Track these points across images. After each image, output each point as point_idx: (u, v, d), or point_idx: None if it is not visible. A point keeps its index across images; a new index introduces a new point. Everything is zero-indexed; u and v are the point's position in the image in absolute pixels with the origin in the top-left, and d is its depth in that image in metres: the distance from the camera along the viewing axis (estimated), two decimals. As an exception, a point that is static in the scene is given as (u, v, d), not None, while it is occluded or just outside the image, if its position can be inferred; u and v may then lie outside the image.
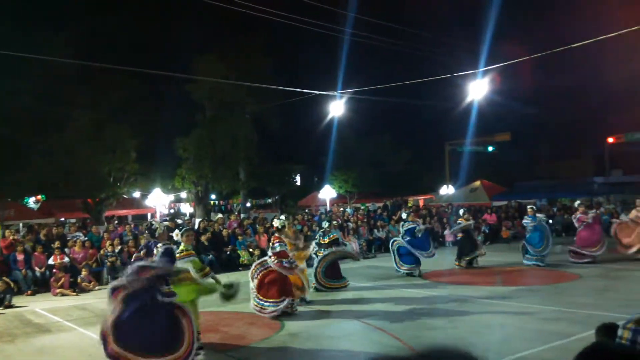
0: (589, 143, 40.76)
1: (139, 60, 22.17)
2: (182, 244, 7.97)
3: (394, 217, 21.72)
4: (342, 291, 11.96)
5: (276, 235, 10.02)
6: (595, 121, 40.51)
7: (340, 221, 19.68)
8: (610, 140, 35.98)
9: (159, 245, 7.03)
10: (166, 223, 16.35)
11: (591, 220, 14.60)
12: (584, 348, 1.77)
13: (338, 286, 12.13)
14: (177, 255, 7.55)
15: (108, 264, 14.98)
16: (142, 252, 6.75)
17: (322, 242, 12.58)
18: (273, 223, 11.19)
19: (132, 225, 19.20)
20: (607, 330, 3.37)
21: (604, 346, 1.73)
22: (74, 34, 20.67)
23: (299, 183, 39.24)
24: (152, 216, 26.81)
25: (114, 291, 5.69)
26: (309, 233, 19.21)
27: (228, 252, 16.73)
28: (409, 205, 31.69)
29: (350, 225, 20.07)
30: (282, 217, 11.84)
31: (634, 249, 14.41)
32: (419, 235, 13.67)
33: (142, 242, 13.93)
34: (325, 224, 13.26)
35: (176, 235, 8.32)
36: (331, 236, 12.65)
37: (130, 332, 5.60)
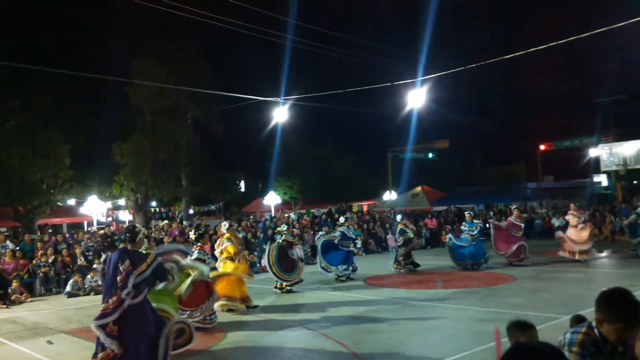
0: (522, 150, 42.69)
1: (73, 62, 21.46)
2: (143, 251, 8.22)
3: (338, 222, 21.94)
4: (286, 296, 11.99)
5: (199, 244, 10.00)
6: (528, 129, 42.53)
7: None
8: (542, 147, 37.75)
9: (149, 259, 6.51)
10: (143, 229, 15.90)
11: (517, 234, 15.33)
12: (509, 348, 1.87)
13: (296, 277, 12.46)
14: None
15: (41, 274, 14.34)
16: (127, 264, 6.23)
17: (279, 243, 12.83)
18: (190, 234, 11.20)
19: (67, 235, 18.47)
20: (578, 320, 3.58)
21: (525, 346, 1.83)
22: (3, 35, 19.77)
23: (243, 189, 38.96)
24: (90, 224, 25.81)
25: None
26: (253, 240, 19.09)
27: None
28: (354, 210, 32.10)
29: (295, 231, 20.06)
30: (225, 223, 11.78)
31: (567, 255, 15.23)
32: (344, 242, 14.04)
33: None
34: (283, 227, 13.60)
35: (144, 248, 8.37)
36: (284, 237, 12.78)
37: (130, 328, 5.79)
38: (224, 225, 11.52)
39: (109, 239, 16.50)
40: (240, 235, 14.58)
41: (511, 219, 15.85)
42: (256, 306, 10.59)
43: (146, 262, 6.14)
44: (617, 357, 2.51)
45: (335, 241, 14.05)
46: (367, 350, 7.20)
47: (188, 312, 8.96)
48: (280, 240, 12.82)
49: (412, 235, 15.41)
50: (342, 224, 14.85)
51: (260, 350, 7.63)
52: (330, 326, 8.71)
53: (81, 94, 22.42)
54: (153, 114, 24.62)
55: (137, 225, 6.78)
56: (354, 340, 7.75)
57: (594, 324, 2.57)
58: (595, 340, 2.53)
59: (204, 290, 9.16)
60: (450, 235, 15.94)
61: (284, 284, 12.48)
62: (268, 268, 12.58)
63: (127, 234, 6.40)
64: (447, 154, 40.92)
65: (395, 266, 15.17)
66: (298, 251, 14.22)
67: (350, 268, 14.01)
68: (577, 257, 15.05)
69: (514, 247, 15.08)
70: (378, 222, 23.65)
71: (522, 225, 15.58)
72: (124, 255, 6.07)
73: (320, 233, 14.86)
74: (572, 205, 16.60)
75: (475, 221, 15.48)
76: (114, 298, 5.94)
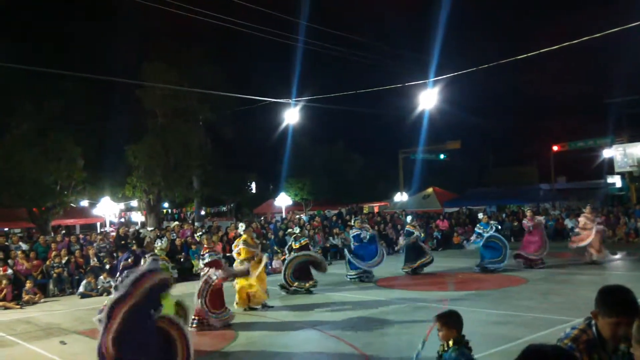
0: (534, 151, 42.38)
1: (84, 65, 21.65)
2: (157, 252, 8.26)
3: (349, 224, 21.94)
4: (298, 297, 12.00)
5: (205, 246, 9.98)
6: (541, 130, 42.22)
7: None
8: (555, 148, 37.41)
9: (147, 255, 6.70)
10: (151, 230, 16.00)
11: (532, 228, 15.19)
12: (521, 352, 1.86)
13: (304, 286, 12.37)
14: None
15: (54, 275, 14.48)
16: (129, 260, 6.44)
17: (294, 247, 12.83)
18: (195, 236, 11.30)
19: (81, 236, 18.64)
20: None
21: (538, 348, 1.82)
22: (15, 38, 19.99)
23: (254, 191, 39.04)
24: (102, 225, 26.04)
25: (116, 305, 5.33)
26: (264, 241, 19.14)
27: (182, 261, 16.50)
28: (365, 212, 32.04)
29: (306, 232, 20.09)
30: (242, 224, 11.90)
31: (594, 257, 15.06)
32: (365, 241, 14.03)
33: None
34: (297, 230, 13.57)
35: (159, 246, 8.42)
36: (302, 241, 12.84)
37: (135, 348, 5.32)
38: (241, 226, 11.63)
39: (122, 241, 16.61)
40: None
41: (524, 221, 15.74)
42: (271, 306, 10.69)
43: (145, 259, 6.36)
44: (622, 356, 2.50)
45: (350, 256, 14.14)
46: (377, 352, 7.18)
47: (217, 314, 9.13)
48: (298, 245, 12.79)
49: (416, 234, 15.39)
50: (352, 226, 14.91)
51: (271, 351, 7.64)
52: (341, 328, 8.70)
53: (93, 97, 22.63)
54: (165, 117, 24.79)
55: (141, 231, 6.97)
56: (365, 341, 7.74)
57: (593, 321, 2.59)
58: (591, 338, 2.54)
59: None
60: (471, 240, 15.74)
61: (283, 284, 12.53)
62: (282, 274, 12.66)
63: (134, 241, 6.67)
64: (458, 155, 40.73)
65: (403, 268, 15.15)
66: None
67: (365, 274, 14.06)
68: (594, 257, 14.91)
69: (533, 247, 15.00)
70: (390, 223, 23.59)
71: (531, 227, 15.44)
72: (130, 254, 6.34)
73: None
74: (587, 207, 16.47)
75: (490, 222, 15.37)
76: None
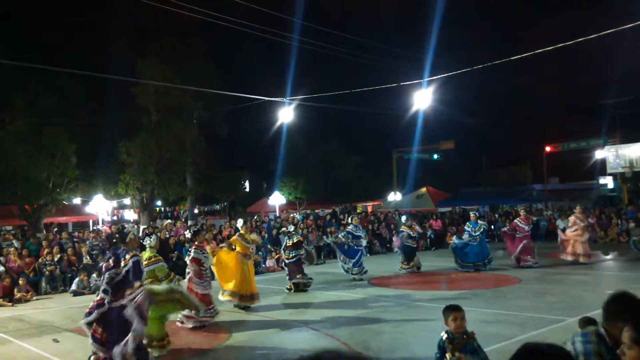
0: (528, 151, 42.56)
1: (78, 62, 21.55)
2: (148, 250, 8.12)
3: (343, 222, 21.95)
4: (291, 295, 12.02)
5: (196, 242, 9.91)
6: (534, 130, 42.41)
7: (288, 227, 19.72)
8: (548, 149, 37.58)
9: (127, 256, 6.22)
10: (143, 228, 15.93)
11: (521, 235, 15.25)
12: (516, 350, 1.87)
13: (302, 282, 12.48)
14: (145, 262, 7.49)
15: (47, 273, 14.40)
16: (110, 261, 6.17)
17: (288, 245, 12.88)
18: (186, 233, 11.26)
19: (76, 233, 18.54)
20: (587, 322, 3.56)
21: (533, 347, 1.83)
22: (10, 34, 19.89)
23: (247, 189, 38.95)
24: (95, 223, 25.93)
25: None
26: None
27: (174, 259, 16.43)
28: (358, 211, 32.07)
29: (300, 231, 20.09)
30: (240, 220, 11.92)
31: (569, 258, 15.14)
32: (353, 243, 14.16)
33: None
34: (291, 227, 13.56)
35: (148, 243, 8.33)
36: (294, 239, 12.85)
37: None
38: (240, 222, 11.64)
39: (115, 239, 16.54)
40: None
41: (516, 220, 15.81)
42: (247, 307, 10.61)
43: (124, 260, 6.08)
44: None
45: (349, 242, 14.20)
46: (371, 351, 7.19)
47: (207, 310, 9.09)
48: (291, 243, 12.83)
49: (415, 236, 15.43)
50: (349, 223, 14.96)
51: (265, 351, 7.64)
52: (335, 327, 8.71)
53: (86, 93, 22.53)
54: (159, 114, 24.65)
55: (126, 225, 6.74)
56: (359, 340, 7.75)
57: (601, 330, 2.58)
58: (610, 347, 2.53)
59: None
60: (455, 238, 15.90)
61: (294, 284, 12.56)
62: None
63: (117, 235, 6.43)
64: (452, 155, 40.87)
65: (401, 267, 15.18)
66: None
67: (362, 270, 14.09)
68: (581, 259, 14.98)
69: (519, 248, 15.02)
70: (383, 222, 23.62)
71: (526, 227, 15.45)
72: (109, 254, 6.18)
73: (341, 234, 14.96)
74: (578, 207, 16.54)
75: (479, 222, 15.43)
76: (98, 297, 5.99)
